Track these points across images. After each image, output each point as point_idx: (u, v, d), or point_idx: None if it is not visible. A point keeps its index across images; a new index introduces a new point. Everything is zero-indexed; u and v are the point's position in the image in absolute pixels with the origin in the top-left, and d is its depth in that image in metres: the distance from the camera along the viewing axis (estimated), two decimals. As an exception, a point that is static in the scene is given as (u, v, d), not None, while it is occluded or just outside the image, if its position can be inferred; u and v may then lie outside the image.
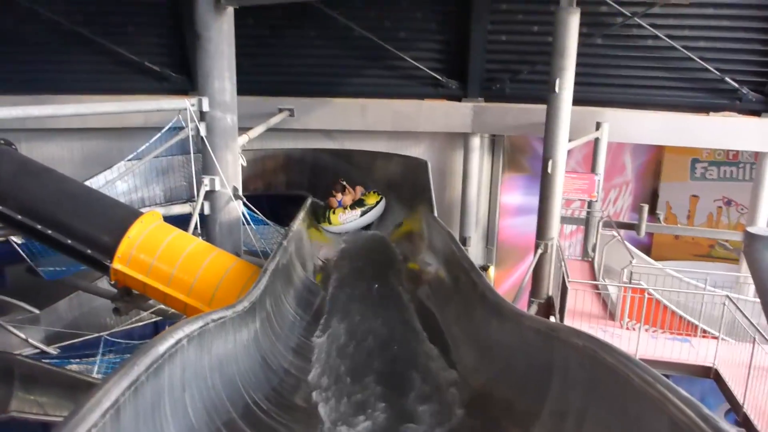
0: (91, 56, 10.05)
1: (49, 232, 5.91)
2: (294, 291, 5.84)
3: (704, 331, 7.30)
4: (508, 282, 11.60)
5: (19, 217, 5.93)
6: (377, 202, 8.95)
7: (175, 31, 9.92)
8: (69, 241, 5.90)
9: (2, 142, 6.40)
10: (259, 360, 4.22)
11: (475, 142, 10.29)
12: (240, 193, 6.99)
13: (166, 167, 9.19)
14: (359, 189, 9.14)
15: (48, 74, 10.09)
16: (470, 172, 10.37)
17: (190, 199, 7.46)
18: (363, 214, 8.85)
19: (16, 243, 7.23)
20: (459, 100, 10.17)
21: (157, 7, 9.87)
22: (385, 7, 9.72)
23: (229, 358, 3.69)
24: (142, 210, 6.56)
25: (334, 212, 8.89)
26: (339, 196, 8.91)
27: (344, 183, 8.99)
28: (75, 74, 10.14)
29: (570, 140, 8.25)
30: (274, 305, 5.01)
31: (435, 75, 10.08)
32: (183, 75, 10.18)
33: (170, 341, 2.73)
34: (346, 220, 8.83)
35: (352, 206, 8.87)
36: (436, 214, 7.31)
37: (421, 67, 10.03)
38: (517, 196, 11.37)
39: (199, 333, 3.11)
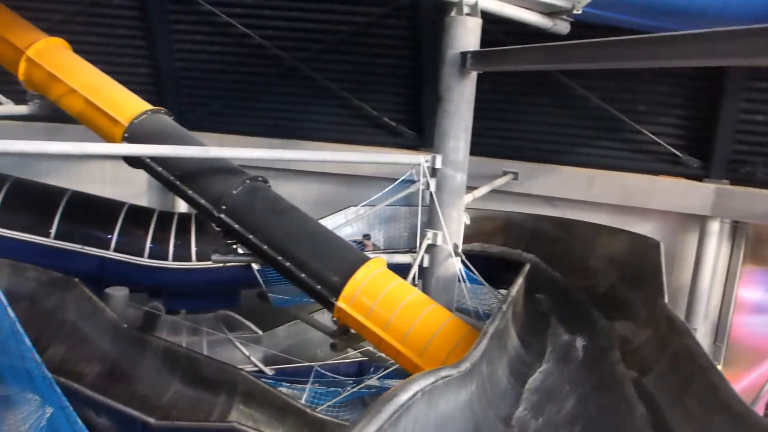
0: (336, 108, 10.99)
1: (287, 264, 6.49)
2: (508, 359, 5.70)
3: None
4: (737, 386, 10.22)
5: (265, 247, 6.60)
6: None
7: (415, 92, 10.52)
8: (302, 275, 6.41)
9: (260, 179, 7.13)
10: (472, 424, 4.15)
11: (714, 226, 9.40)
12: (460, 250, 7.08)
13: (389, 216, 9.66)
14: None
15: (298, 122, 11.23)
16: (704, 259, 9.46)
17: (411, 249, 7.72)
18: None
19: (256, 269, 8.02)
20: (699, 179, 9.45)
21: (402, 69, 10.57)
22: (627, 78, 9.40)
23: (448, 417, 3.67)
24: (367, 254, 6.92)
25: None
26: None
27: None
28: (320, 123, 11.14)
29: (838, 238, 7.17)
30: (490, 371, 4.93)
31: (674, 151, 9.47)
32: (415, 131, 10.71)
33: (409, 393, 2.80)
34: None
35: None
36: (666, 301, 6.73)
37: (660, 141, 9.49)
38: (758, 292, 10.08)
39: (431, 389, 3.14)
